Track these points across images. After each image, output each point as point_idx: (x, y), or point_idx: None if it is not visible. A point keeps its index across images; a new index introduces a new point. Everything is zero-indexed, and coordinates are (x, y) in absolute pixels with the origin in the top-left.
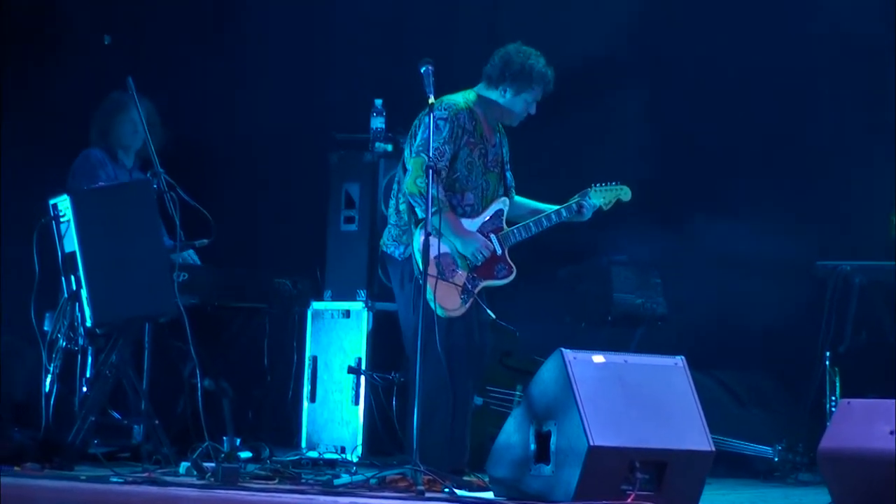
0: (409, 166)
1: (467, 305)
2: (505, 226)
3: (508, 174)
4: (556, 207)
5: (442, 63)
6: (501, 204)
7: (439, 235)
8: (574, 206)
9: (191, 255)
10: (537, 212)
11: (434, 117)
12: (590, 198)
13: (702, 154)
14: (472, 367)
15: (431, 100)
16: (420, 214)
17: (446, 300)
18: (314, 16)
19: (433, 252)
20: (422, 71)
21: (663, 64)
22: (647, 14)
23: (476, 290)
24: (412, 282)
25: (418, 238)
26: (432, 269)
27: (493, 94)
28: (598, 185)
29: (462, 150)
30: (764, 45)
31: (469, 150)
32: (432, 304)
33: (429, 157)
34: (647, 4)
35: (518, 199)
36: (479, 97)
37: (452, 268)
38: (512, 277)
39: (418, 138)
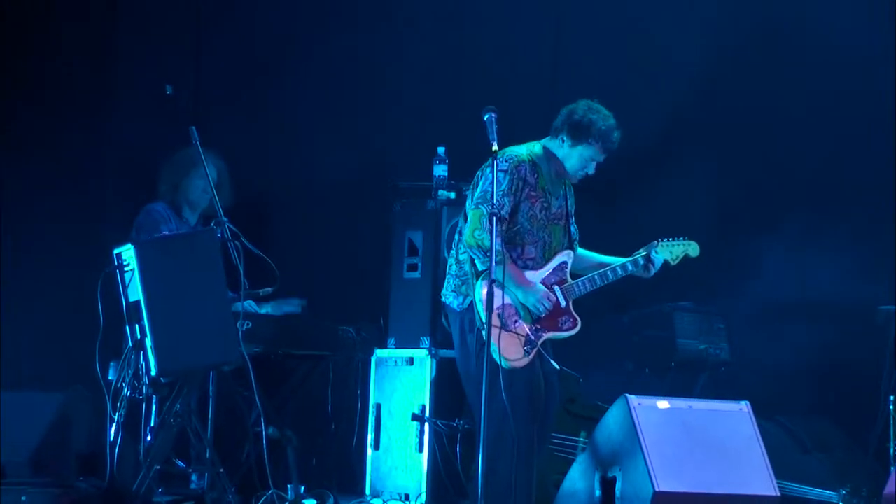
0: (469, 217)
1: (530, 356)
2: (569, 278)
3: (573, 227)
4: (622, 261)
5: (504, 112)
6: (566, 256)
7: (502, 286)
8: (640, 259)
9: (251, 305)
10: (602, 265)
11: (494, 168)
12: (657, 252)
13: (764, 200)
14: (536, 416)
15: (495, 147)
16: (480, 266)
17: (509, 351)
18: (378, 63)
19: (496, 303)
20: (485, 119)
21: (725, 114)
22: (706, 68)
23: (539, 342)
24: (473, 332)
25: (479, 289)
26: (496, 321)
27: (555, 145)
28: (665, 239)
29: (523, 203)
30: (826, 95)
31: (531, 202)
32: (496, 356)
33: (492, 205)
34: (705, 59)
35: (581, 251)
36: (545, 149)
37: (515, 318)
38: (576, 330)
39: (479, 189)
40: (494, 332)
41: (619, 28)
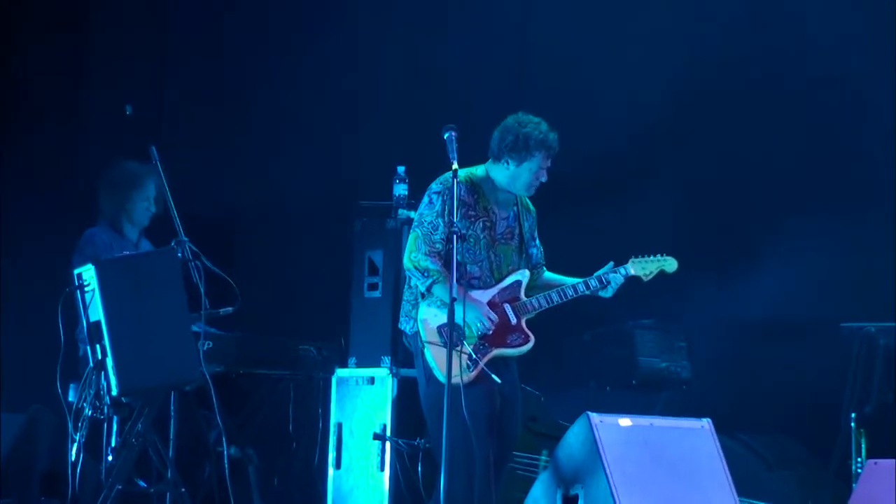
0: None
1: (472, 373)
2: (523, 297)
3: (534, 249)
4: (589, 278)
5: (466, 131)
6: (520, 275)
7: (454, 299)
8: (603, 278)
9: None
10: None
11: (429, 192)
12: (627, 269)
13: (723, 218)
14: (491, 434)
15: (455, 165)
16: (421, 288)
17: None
18: (339, 83)
19: (437, 322)
20: (445, 137)
21: (689, 132)
22: (674, 81)
23: (485, 359)
24: (420, 356)
25: (422, 309)
26: (437, 339)
27: (499, 170)
28: (639, 256)
29: (460, 223)
30: (795, 108)
31: (469, 222)
32: (437, 374)
33: (451, 223)
34: (673, 73)
35: (549, 275)
36: (487, 172)
37: (457, 337)
38: (528, 347)
39: (416, 213)
40: (435, 350)
41: (585, 46)
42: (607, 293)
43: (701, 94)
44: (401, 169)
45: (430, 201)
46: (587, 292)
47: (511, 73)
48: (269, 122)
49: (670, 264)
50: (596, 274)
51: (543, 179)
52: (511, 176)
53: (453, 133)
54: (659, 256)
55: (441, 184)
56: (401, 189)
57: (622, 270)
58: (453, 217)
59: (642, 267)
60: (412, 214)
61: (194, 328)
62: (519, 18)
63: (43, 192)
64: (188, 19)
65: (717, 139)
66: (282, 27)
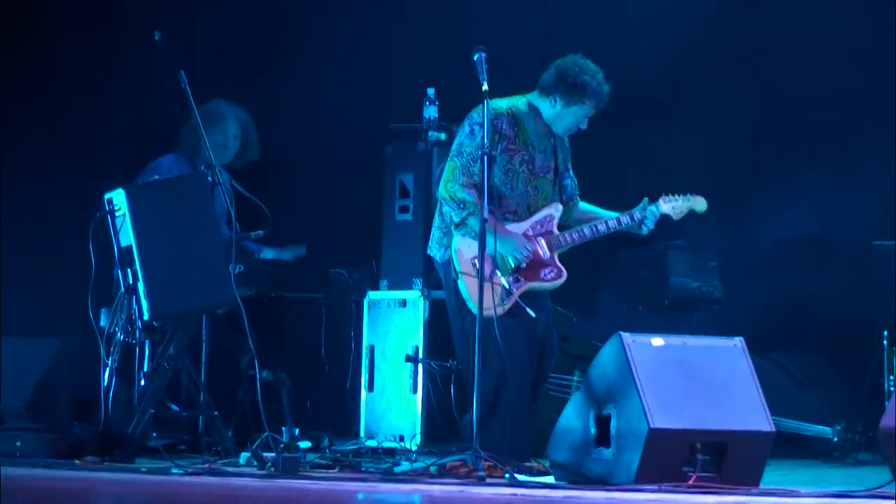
0: (444, 170)
1: (506, 306)
2: (556, 230)
3: (568, 181)
4: (615, 215)
5: (495, 54)
6: (552, 209)
7: (485, 231)
8: (636, 215)
9: (254, 247)
10: (597, 218)
11: (470, 122)
12: (659, 207)
13: (757, 139)
14: (529, 364)
15: (485, 87)
16: (455, 219)
17: (483, 299)
18: (367, 5)
19: (471, 253)
20: (475, 58)
21: (722, 58)
22: (707, 12)
23: (519, 291)
24: (452, 285)
25: (456, 241)
26: (472, 270)
27: (544, 104)
28: (669, 195)
29: (500, 156)
30: (821, 41)
31: (509, 156)
32: (469, 304)
33: (482, 145)
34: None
35: (583, 205)
36: (530, 105)
37: (491, 268)
38: (560, 281)
39: (455, 141)
40: (469, 281)
41: None
42: (643, 231)
43: (737, 17)
44: (431, 91)
45: (472, 132)
46: (619, 228)
47: None
48: (298, 48)
49: (700, 204)
50: (629, 211)
51: (583, 127)
52: (555, 115)
53: (483, 54)
54: (689, 195)
55: (482, 114)
56: (431, 111)
57: (653, 209)
58: (484, 138)
59: (673, 206)
60: (442, 136)
61: (250, 245)
62: None
63: (75, 116)
64: None
65: (754, 68)
66: None
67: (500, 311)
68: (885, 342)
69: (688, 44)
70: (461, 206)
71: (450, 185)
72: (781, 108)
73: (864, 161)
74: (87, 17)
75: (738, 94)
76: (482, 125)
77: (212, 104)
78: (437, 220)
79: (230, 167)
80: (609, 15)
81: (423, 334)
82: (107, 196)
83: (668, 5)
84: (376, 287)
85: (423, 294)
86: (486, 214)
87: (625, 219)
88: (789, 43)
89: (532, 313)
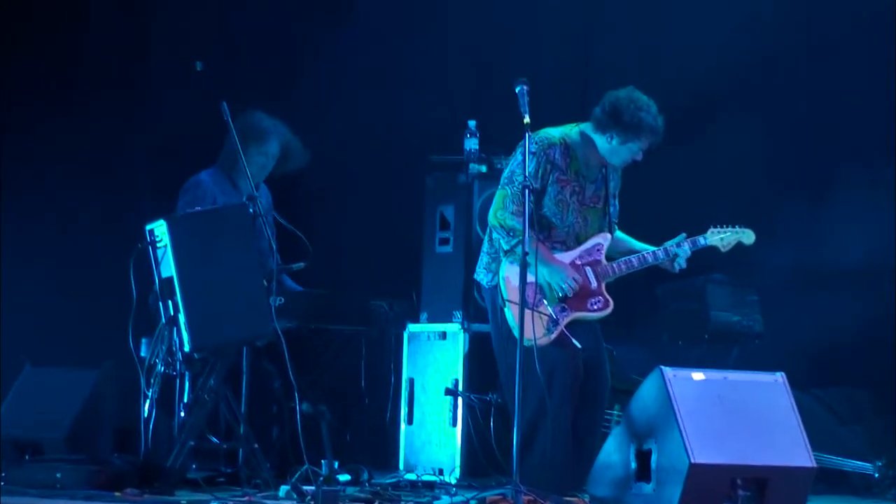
0: (495, 197)
1: (552, 336)
2: (604, 260)
3: (612, 207)
4: (658, 248)
5: (535, 85)
6: (601, 239)
7: (526, 264)
8: (686, 245)
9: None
10: (635, 251)
11: (521, 150)
12: (706, 239)
13: (795, 167)
14: (571, 395)
15: (527, 120)
16: (505, 246)
17: (528, 329)
18: (410, 36)
19: (518, 281)
20: (517, 91)
21: (762, 85)
22: (750, 31)
23: (565, 321)
24: (498, 312)
25: (504, 268)
26: (517, 297)
27: (600, 139)
28: (718, 226)
29: (551, 187)
30: (862, 65)
31: (560, 186)
32: (516, 333)
33: (524, 177)
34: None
35: (619, 234)
36: (583, 136)
37: (538, 297)
38: (607, 311)
39: (507, 169)
40: (516, 308)
41: (654, 3)
42: (674, 268)
43: (781, 36)
44: (472, 123)
45: (524, 161)
46: (666, 258)
47: (579, 24)
48: (340, 77)
49: (748, 236)
50: (673, 241)
51: (639, 160)
52: (611, 150)
53: (525, 87)
54: (738, 228)
55: (538, 143)
56: (472, 143)
57: (700, 240)
58: (525, 170)
59: (721, 238)
60: (483, 169)
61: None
62: None
63: (116, 146)
64: None
65: (792, 91)
66: None
67: (546, 340)
68: None
69: (723, 71)
70: (511, 233)
71: (500, 213)
72: (827, 130)
73: None
74: (124, 46)
75: (781, 120)
76: (535, 154)
77: (254, 118)
78: (485, 245)
79: (271, 177)
80: (646, 47)
81: (463, 367)
82: (148, 227)
83: (700, 36)
84: (416, 319)
85: (463, 327)
86: (528, 247)
87: (672, 249)
88: (827, 65)
89: (578, 344)
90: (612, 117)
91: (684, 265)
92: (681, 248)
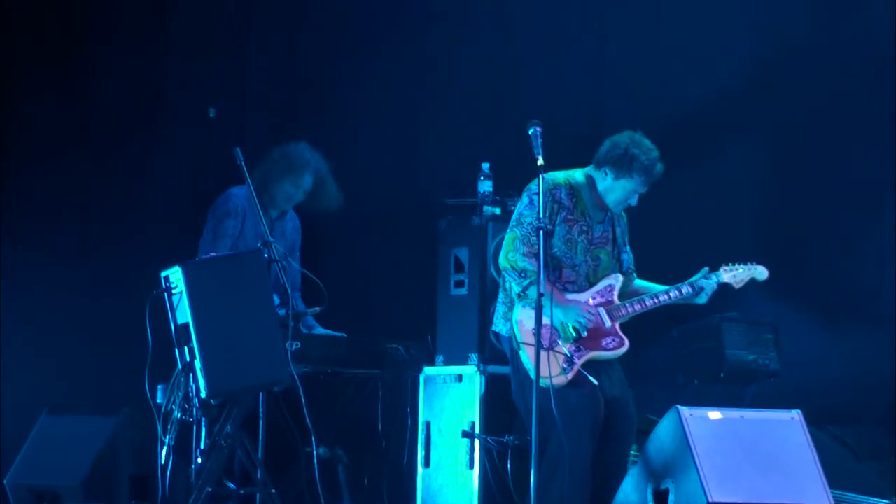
0: (504, 241)
1: (569, 376)
2: (617, 301)
3: (625, 256)
4: (675, 287)
5: (548, 127)
6: (613, 279)
7: (541, 305)
8: (696, 285)
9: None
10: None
11: (529, 192)
12: (719, 276)
13: (809, 203)
14: (590, 436)
15: (540, 161)
16: (516, 289)
17: (545, 369)
18: (422, 79)
19: (532, 324)
20: (529, 133)
21: (770, 115)
22: (752, 66)
23: (581, 361)
24: (516, 357)
25: (517, 311)
26: (531, 339)
27: (598, 176)
28: (730, 264)
29: (559, 227)
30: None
31: (568, 226)
32: (531, 374)
33: (538, 219)
34: (752, 57)
35: (639, 282)
36: (588, 176)
37: (553, 338)
38: (623, 350)
39: (515, 213)
40: (531, 350)
41: (662, 45)
42: (701, 300)
43: (783, 71)
44: (485, 166)
45: (531, 202)
46: (680, 297)
47: (592, 67)
48: (352, 120)
49: (760, 273)
50: (689, 280)
51: (633, 203)
52: (606, 187)
53: (538, 128)
54: (750, 264)
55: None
56: (486, 186)
57: (714, 277)
58: (539, 212)
59: (734, 275)
60: (497, 211)
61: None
62: (598, 6)
63: (131, 194)
64: (268, 18)
65: (801, 115)
66: (364, 24)
67: (562, 380)
68: None
69: (737, 108)
70: (522, 275)
71: (511, 255)
72: (839, 164)
73: None
74: (137, 92)
75: (789, 152)
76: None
77: (297, 149)
78: (501, 296)
79: (304, 210)
80: (660, 88)
81: (480, 409)
82: (163, 274)
83: (710, 67)
84: (432, 362)
85: (479, 369)
86: (542, 289)
87: (686, 288)
88: (844, 94)
89: (594, 381)
90: (607, 151)
91: (710, 296)
92: (706, 281)
